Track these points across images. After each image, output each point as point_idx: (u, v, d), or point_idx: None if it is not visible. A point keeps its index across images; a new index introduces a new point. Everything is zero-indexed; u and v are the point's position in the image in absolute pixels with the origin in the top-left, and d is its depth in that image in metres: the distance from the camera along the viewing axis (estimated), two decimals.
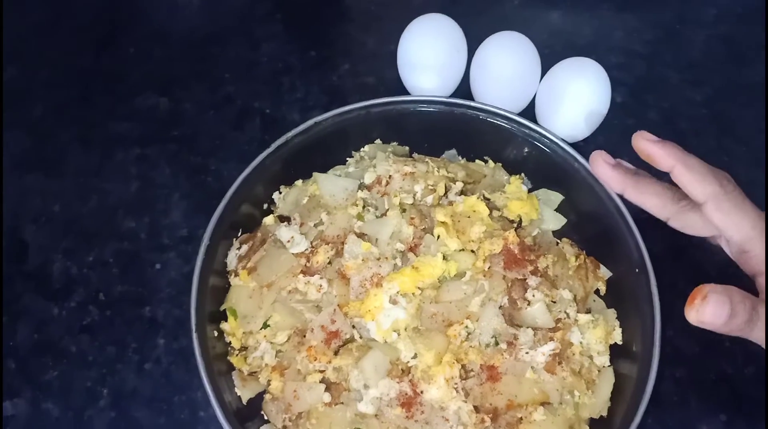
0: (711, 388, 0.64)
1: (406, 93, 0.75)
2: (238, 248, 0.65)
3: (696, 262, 0.69)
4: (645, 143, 0.53)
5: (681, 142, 0.67)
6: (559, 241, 0.66)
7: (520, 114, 0.67)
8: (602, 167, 0.57)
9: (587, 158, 0.60)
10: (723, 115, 0.79)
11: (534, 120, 0.70)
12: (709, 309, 0.46)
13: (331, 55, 0.83)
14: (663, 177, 0.55)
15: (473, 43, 0.74)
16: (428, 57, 0.72)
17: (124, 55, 0.83)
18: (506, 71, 0.71)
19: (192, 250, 0.63)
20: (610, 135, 0.76)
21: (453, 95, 0.74)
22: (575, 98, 0.70)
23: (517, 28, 0.73)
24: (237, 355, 0.61)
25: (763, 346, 0.49)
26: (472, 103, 0.68)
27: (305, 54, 0.83)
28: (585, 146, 0.74)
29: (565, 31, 0.85)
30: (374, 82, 0.79)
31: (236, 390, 0.60)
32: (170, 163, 0.75)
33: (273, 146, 0.65)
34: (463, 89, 0.76)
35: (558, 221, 0.67)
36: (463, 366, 0.57)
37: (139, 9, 0.88)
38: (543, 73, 0.73)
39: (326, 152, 0.69)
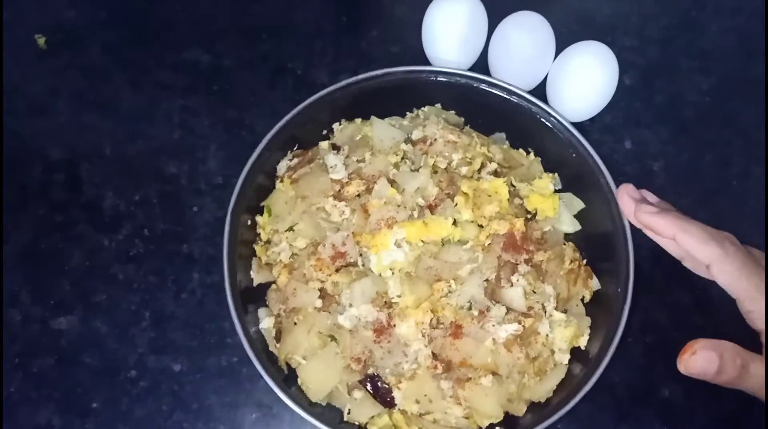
0: (676, 356, 0.67)
1: (428, 63, 0.80)
2: (290, 160, 0.72)
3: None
4: (646, 217, 0.57)
5: (683, 129, 0.72)
6: (565, 243, 0.70)
7: (532, 92, 0.71)
8: (626, 203, 0.61)
9: (590, 141, 0.66)
10: (726, 106, 0.80)
11: (544, 97, 0.74)
12: (698, 364, 0.52)
13: (360, 22, 0.86)
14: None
15: (495, 19, 0.78)
16: (451, 30, 0.76)
17: (172, 6, 0.88)
18: (522, 50, 0.75)
19: (226, 196, 0.68)
20: (616, 115, 0.80)
21: (471, 69, 0.79)
22: (583, 79, 0.74)
23: (538, 7, 0.77)
24: (261, 245, 0.71)
25: (758, 396, 0.53)
26: (518, 90, 0.71)
27: (337, 19, 0.87)
28: (591, 125, 0.79)
29: (585, 12, 0.86)
30: (399, 51, 0.83)
31: (251, 273, 0.69)
32: (209, 115, 0.81)
33: (343, 83, 0.71)
34: (481, 64, 0.80)
35: (573, 226, 0.71)
36: (437, 318, 0.63)
37: None
38: (558, 53, 0.77)
39: (391, 102, 0.74)
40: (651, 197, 0.63)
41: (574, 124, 0.70)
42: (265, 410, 0.70)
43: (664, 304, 0.72)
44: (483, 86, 0.72)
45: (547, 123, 0.70)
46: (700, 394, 0.69)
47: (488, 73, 0.77)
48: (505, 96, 0.71)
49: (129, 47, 0.85)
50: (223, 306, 0.65)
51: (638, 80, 0.82)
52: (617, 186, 0.65)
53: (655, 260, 0.71)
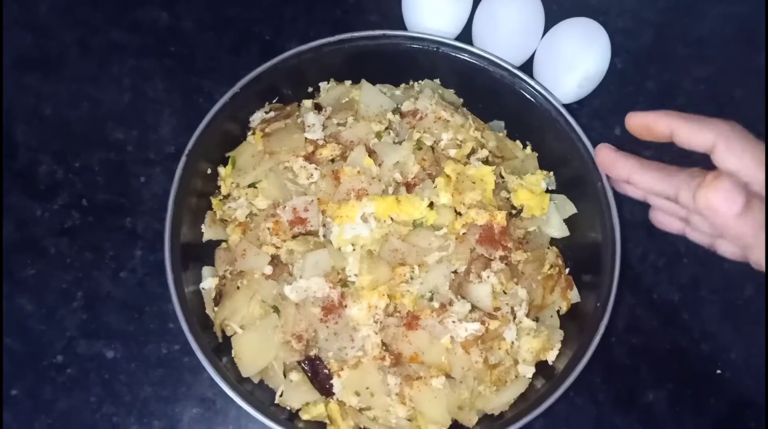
0: (663, 359, 0.66)
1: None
2: (267, 112, 0.68)
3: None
4: (638, 116, 0.52)
5: None
6: (549, 247, 0.65)
7: (520, 68, 0.67)
8: (604, 154, 0.56)
9: (580, 123, 0.63)
10: (722, 95, 0.77)
11: (531, 75, 0.69)
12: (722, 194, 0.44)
13: None
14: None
15: None
16: None
17: None
18: (509, 24, 0.71)
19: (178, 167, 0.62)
20: (606, 100, 0.76)
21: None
22: (572, 58, 0.70)
23: None
24: (219, 199, 0.66)
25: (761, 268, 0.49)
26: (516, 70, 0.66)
27: None
28: (579, 109, 0.74)
29: None
30: (378, 20, 0.78)
31: (202, 226, 0.65)
32: (164, 80, 0.75)
33: (334, 38, 0.66)
34: (465, 37, 0.75)
35: (561, 231, 0.67)
36: (394, 305, 0.59)
37: None
38: (546, 31, 0.73)
39: (387, 70, 0.70)
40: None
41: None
42: (208, 405, 0.64)
43: (651, 303, 0.68)
44: (487, 66, 0.67)
45: (550, 111, 0.65)
46: (686, 400, 0.65)
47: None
48: (509, 81, 0.66)
49: (80, 4, 0.78)
50: (166, 287, 0.58)
51: (630, 65, 0.78)
52: (615, 195, 0.60)
53: (644, 258, 0.69)
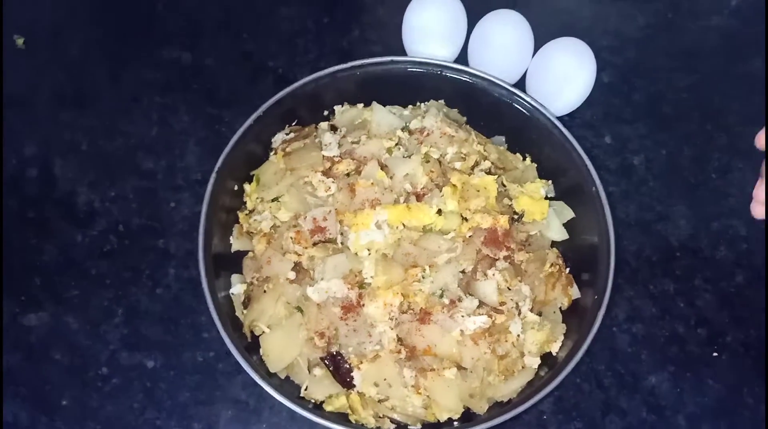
0: (662, 345, 0.70)
1: None
2: (287, 133, 0.73)
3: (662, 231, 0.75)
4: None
5: (662, 124, 0.74)
6: (549, 249, 0.69)
7: (514, 85, 0.72)
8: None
9: (573, 133, 0.69)
10: (707, 102, 0.81)
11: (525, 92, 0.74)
12: None
13: (342, 22, 0.86)
14: None
15: (474, 17, 0.79)
16: (431, 29, 0.78)
17: (154, 4, 0.87)
18: (502, 46, 0.77)
19: (204, 192, 0.67)
20: (596, 112, 0.80)
21: None
22: (561, 73, 0.75)
23: (516, 6, 0.78)
24: (246, 213, 0.71)
25: None
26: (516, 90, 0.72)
27: (319, 19, 0.86)
28: (571, 121, 0.79)
29: (563, 13, 0.87)
30: (381, 50, 0.82)
31: (231, 238, 0.70)
32: (188, 112, 0.80)
33: (347, 64, 0.72)
34: (461, 59, 0.80)
35: (561, 234, 0.70)
36: (408, 303, 0.63)
37: None
38: (536, 51, 0.78)
39: (396, 93, 0.75)
40: None
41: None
42: (242, 407, 0.68)
43: (648, 295, 0.72)
44: (487, 86, 0.72)
45: (546, 125, 0.71)
46: (686, 381, 0.68)
47: None
48: (507, 98, 0.72)
49: (109, 44, 0.84)
50: (200, 300, 0.63)
51: (617, 78, 0.83)
52: (609, 198, 0.66)
53: (639, 254, 0.73)
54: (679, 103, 0.82)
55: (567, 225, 0.71)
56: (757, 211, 0.60)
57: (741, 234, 0.74)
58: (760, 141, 0.57)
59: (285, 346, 0.63)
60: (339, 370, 0.62)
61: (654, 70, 0.84)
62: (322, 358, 0.63)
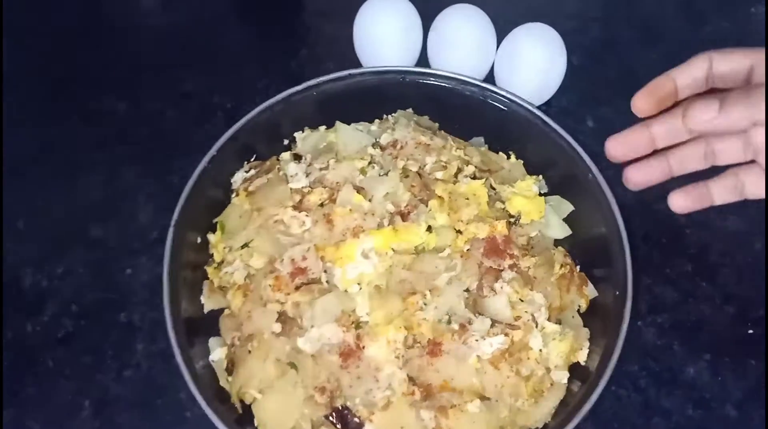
0: (693, 331, 0.65)
1: None
2: (247, 171, 0.68)
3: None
4: (642, 92, 0.57)
5: None
6: (555, 248, 0.65)
7: (483, 81, 0.70)
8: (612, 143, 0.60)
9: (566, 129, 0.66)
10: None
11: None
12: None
13: (286, 43, 0.83)
14: None
15: (428, 19, 0.76)
16: (385, 34, 0.74)
17: (73, 57, 0.83)
18: (464, 42, 0.74)
19: (163, 252, 0.62)
20: (571, 97, 0.78)
21: None
22: (530, 63, 0.72)
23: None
24: (214, 267, 0.65)
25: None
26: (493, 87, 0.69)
27: (261, 44, 0.83)
28: (548, 110, 0.76)
29: (522, 1, 0.86)
30: (335, 66, 0.78)
31: (201, 298, 0.63)
32: (133, 166, 0.75)
33: (303, 85, 0.68)
34: (422, 63, 0.77)
35: (563, 231, 0.66)
36: (413, 336, 0.57)
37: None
38: (500, 42, 0.75)
39: (359, 108, 0.71)
40: None
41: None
42: None
43: (666, 279, 0.68)
44: (455, 86, 0.69)
45: (527, 117, 0.67)
46: (726, 366, 0.63)
47: None
48: (479, 96, 0.69)
49: (35, 104, 0.79)
50: (176, 375, 0.56)
51: (586, 59, 0.80)
52: (608, 183, 0.62)
53: (648, 238, 0.70)
54: (652, 74, 0.77)
55: (567, 220, 0.67)
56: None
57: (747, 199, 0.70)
58: (636, 102, 0.58)
59: (282, 410, 0.56)
60: (348, 425, 0.56)
61: (621, 45, 0.82)
62: (326, 416, 0.56)
